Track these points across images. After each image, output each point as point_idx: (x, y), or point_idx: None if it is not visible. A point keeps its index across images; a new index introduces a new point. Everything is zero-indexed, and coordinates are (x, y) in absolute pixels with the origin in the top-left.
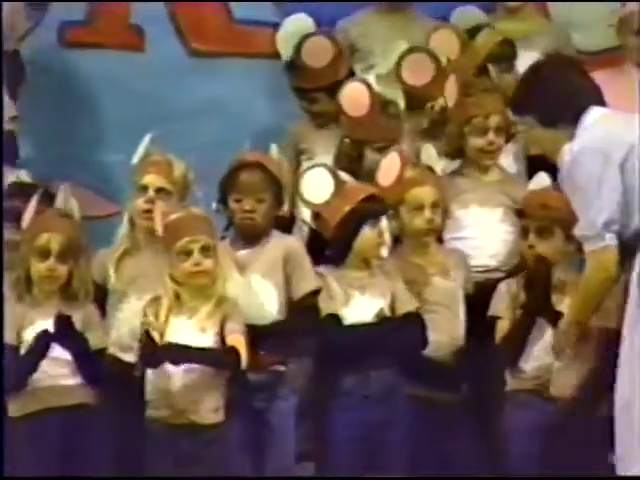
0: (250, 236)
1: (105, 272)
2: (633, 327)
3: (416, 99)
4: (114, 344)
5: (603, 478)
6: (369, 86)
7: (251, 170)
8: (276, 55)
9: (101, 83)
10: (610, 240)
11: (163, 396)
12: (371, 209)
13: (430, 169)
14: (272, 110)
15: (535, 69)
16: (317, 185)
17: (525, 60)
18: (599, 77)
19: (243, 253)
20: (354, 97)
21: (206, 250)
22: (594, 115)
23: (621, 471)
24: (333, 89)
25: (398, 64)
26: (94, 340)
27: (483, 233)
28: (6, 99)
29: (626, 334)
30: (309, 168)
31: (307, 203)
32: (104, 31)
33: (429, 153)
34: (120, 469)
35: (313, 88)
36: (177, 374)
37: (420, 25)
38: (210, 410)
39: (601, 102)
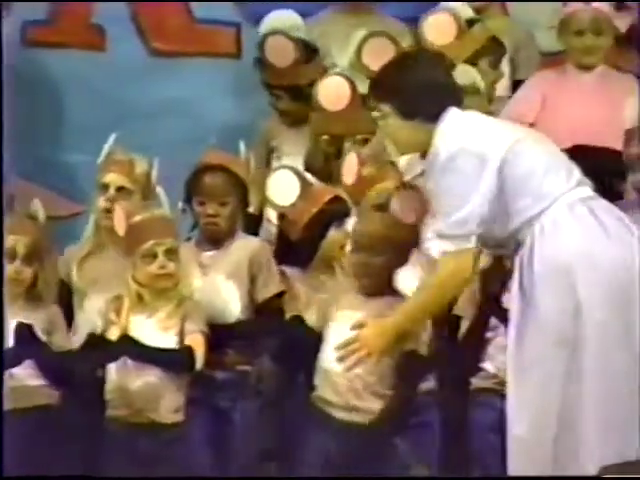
0: (214, 239)
1: (70, 270)
2: (516, 338)
3: None
4: (77, 342)
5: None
6: (348, 79)
7: (214, 173)
8: (237, 54)
9: (63, 82)
10: (473, 243)
11: (122, 395)
12: (336, 210)
13: (392, 164)
14: (234, 109)
15: (400, 58)
16: (283, 187)
17: None
18: (544, 76)
19: (208, 254)
20: (333, 91)
21: (170, 253)
22: (458, 116)
23: None
24: (294, 91)
25: (358, 51)
26: (59, 341)
27: None
28: None
29: (511, 345)
30: (275, 170)
31: (273, 205)
32: (66, 31)
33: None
34: (82, 469)
35: (275, 85)
36: (136, 372)
37: (383, 25)
38: (170, 410)
39: (462, 104)
